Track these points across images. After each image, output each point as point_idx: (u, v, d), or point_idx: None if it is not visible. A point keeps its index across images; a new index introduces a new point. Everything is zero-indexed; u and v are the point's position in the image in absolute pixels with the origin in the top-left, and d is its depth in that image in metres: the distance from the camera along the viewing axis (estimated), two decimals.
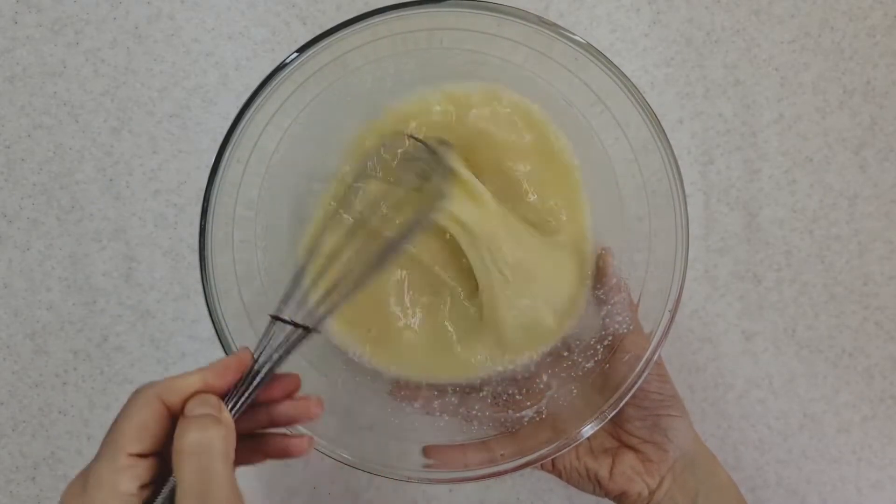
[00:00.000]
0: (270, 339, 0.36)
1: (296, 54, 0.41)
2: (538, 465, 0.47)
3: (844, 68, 0.56)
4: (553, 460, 0.47)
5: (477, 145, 0.48)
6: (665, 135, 0.42)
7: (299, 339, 0.37)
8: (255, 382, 0.35)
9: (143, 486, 0.31)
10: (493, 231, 0.45)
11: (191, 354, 0.54)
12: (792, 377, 0.57)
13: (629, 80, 0.42)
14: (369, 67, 0.46)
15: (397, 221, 0.46)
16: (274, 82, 0.41)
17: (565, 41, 0.42)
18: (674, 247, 0.43)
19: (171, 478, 0.32)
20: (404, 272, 0.49)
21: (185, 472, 0.30)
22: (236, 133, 0.41)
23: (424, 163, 0.46)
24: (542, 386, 0.47)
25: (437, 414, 0.47)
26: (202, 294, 0.42)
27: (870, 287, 0.56)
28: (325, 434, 0.42)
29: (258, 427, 0.37)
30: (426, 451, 0.45)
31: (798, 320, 0.56)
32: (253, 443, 0.37)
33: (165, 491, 0.32)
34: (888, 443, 0.57)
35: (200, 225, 0.41)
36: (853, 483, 0.57)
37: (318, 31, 0.41)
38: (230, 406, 0.34)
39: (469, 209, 0.44)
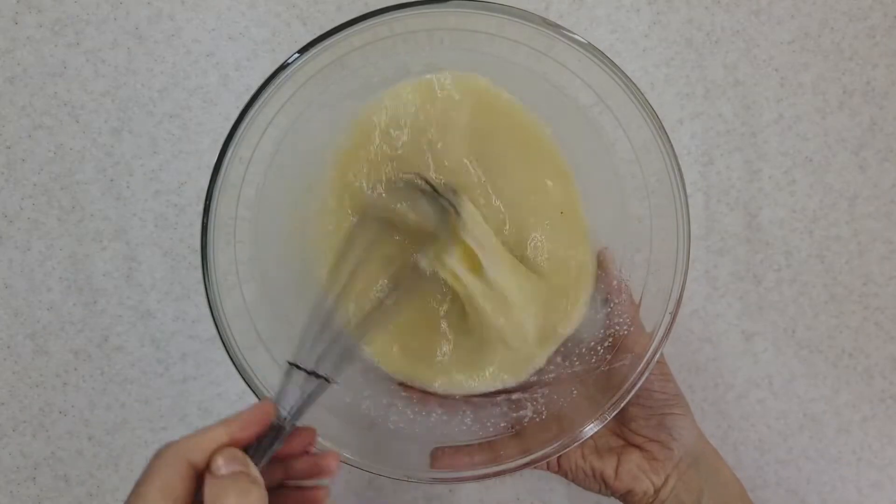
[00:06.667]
0: (289, 387, 0.35)
1: (297, 55, 0.41)
2: (544, 465, 0.47)
3: (844, 68, 0.56)
4: (559, 461, 0.47)
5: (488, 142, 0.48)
6: (667, 135, 0.42)
7: (320, 390, 0.36)
8: (279, 436, 0.34)
9: None
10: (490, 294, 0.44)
11: (191, 355, 0.54)
12: (792, 377, 0.57)
13: (630, 80, 0.42)
14: (369, 67, 0.46)
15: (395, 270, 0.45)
16: (276, 82, 0.41)
17: (567, 41, 0.42)
18: (675, 247, 0.43)
19: None
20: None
21: None
22: (240, 130, 0.41)
23: (432, 207, 0.44)
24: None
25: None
26: (202, 294, 0.41)
27: (870, 287, 0.56)
28: (326, 434, 0.42)
29: (274, 481, 0.36)
30: (433, 459, 0.45)
31: (798, 320, 0.56)
32: (271, 498, 0.33)
33: None
34: (888, 443, 0.57)
35: (203, 222, 0.41)
36: (853, 483, 0.57)
37: (319, 32, 0.41)
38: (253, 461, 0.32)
39: (471, 279, 0.44)
